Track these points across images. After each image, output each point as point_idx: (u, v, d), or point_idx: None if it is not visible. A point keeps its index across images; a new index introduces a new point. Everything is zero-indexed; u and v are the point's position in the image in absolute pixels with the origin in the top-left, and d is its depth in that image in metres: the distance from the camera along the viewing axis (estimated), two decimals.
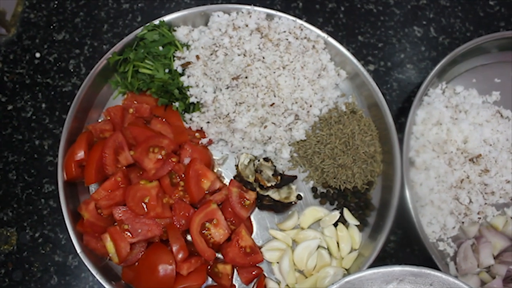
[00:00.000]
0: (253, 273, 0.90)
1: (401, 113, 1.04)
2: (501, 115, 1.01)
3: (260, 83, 0.92)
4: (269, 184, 0.91)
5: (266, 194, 0.91)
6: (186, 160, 0.90)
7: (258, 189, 0.91)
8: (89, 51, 1.05)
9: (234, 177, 0.95)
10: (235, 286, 0.90)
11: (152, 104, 0.96)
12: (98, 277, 0.84)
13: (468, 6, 1.13)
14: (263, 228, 0.94)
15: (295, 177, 0.95)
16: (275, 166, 0.94)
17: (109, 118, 0.95)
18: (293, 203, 0.93)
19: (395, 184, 0.90)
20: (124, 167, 0.89)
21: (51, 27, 1.07)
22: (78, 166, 0.88)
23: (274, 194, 0.92)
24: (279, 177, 0.92)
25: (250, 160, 0.94)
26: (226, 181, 0.96)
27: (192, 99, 0.93)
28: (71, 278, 0.92)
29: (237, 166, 0.94)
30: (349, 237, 0.92)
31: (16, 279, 0.92)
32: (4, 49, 1.05)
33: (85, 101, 0.94)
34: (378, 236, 0.89)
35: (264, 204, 0.92)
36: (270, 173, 0.92)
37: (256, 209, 0.95)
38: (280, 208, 0.93)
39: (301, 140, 0.96)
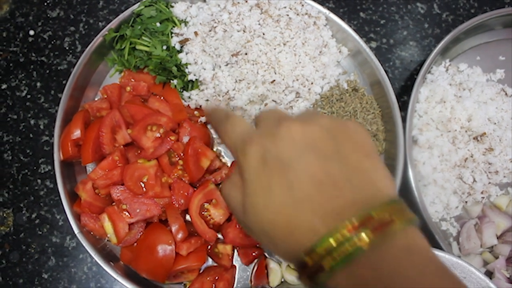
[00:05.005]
0: (254, 253, 0.88)
1: (404, 91, 1.02)
2: (506, 93, 0.99)
3: (260, 59, 0.89)
4: None
5: None
6: (185, 139, 0.88)
7: None
8: (85, 29, 1.03)
9: (234, 161, 0.93)
10: (235, 266, 0.89)
11: (150, 82, 0.94)
12: (96, 258, 0.82)
13: None
14: None
15: None
16: None
17: (105, 96, 0.93)
18: None
19: (398, 163, 0.88)
20: (121, 146, 0.87)
21: (45, 3, 1.04)
22: (74, 146, 0.87)
23: None
24: None
25: None
26: (226, 159, 0.94)
27: (190, 77, 0.91)
28: (69, 259, 0.91)
29: None
30: None
31: (13, 260, 0.91)
32: None
33: (81, 79, 0.92)
34: None
35: None
36: None
37: None
38: None
39: None
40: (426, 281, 0.36)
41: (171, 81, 0.92)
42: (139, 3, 0.92)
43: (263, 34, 0.91)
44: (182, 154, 0.88)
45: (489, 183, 0.94)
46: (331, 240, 0.37)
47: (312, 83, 0.92)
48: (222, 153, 0.95)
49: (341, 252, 0.36)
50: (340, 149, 0.42)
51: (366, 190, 0.40)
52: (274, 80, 0.89)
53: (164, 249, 0.82)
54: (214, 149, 0.94)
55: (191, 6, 0.95)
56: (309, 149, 0.42)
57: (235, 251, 0.90)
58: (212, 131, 0.95)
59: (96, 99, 0.96)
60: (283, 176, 0.41)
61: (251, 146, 0.44)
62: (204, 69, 0.90)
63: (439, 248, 0.85)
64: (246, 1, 0.93)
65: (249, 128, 0.49)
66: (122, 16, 0.92)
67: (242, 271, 0.90)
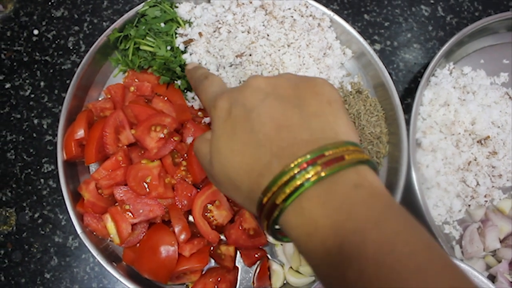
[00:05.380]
0: (256, 255, 0.88)
1: (408, 94, 1.02)
2: (510, 97, 0.99)
3: (264, 61, 0.89)
4: None
5: None
6: (189, 139, 0.88)
7: None
8: (89, 28, 1.03)
9: None
10: (238, 268, 0.89)
11: (154, 82, 0.93)
12: (98, 258, 0.82)
13: None
14: None
15: None
16: None
17: (109, 96, 0.93)
18: None
19: (401, 165, 0.88)
20: (125, 146, 0.87)
21: (49, 3, 1.04)
22: (78, 145, 0.87)
23: None
24: None
25: None
26: None
27: None
28: (71, 259, 0.91)
29: None
30: None
31: (16, 260, 0.91)
32: (1, 26, 1.02)
33: (85, 79, 0.92)
34: None
35: None
36: None
37: None
38: None
39: None
40: (373, 217, 0.36)
41: (175, 81, 0.92)
42: (143, 3, 0.92)
43: (268, 35, 0.91)
44: (185, 155, 0.88)
45: (493, 186, 0.94)
46: (284, 177, 0.38)
47: None
48: None
49: (291, 186, 0.38)
50: (301, 95, 0.44)
51: (322, 133, 0.41)
52: None
53: (167, 250, 0.82)
54: None
55: (195, 7, 0.95)
56: (272, 95, 0.44)
57: (238, 252, 0.90)
58: None
59: (99, 99, 0.96)
60: (246, 120, 0.43)
61: (221, 100, 0.47)
62: (208, 69, 0.90)
63: None
64: (251, 2, 0.93)
65: (224, 87, 0.52)
66: (126, 16, 0.92)
67: (245, 273, 0.90)
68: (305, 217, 0.38)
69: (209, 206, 0.86)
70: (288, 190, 0.38)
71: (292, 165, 0.38)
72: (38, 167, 0.95)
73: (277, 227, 0.41)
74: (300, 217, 0.38)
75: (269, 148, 0.41)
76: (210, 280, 0.85)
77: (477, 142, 0.93)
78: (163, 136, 0.87)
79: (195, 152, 0.54)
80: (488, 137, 0.92)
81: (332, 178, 0.38)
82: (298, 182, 0.37)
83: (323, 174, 0.37)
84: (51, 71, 1.00)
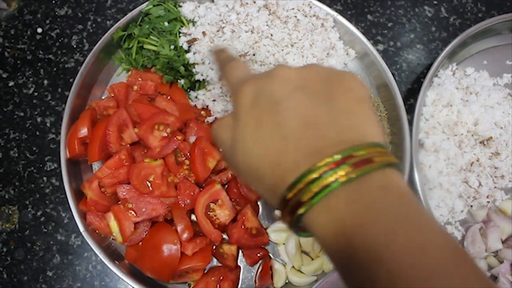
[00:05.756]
0: (259, 254, 0.88)
1: (411, 94, 1.02)
2: None
3: (268, 60, 0.90)
4: None
5: None
6: (192, 138, 0.88)
7: None
8: (92, 27, 1.03)
9: None
10: (240, 267, 0.89)
11: (157, 81, 0.94)
12: (101, 256, 0.82)
13: None
14: (269, 209, 0.93)
15: None
16: None
17: (113, 95, 0.93)
18: None
19: (404, 166, 0.88)
20: (128, 145, 0.87)
21: (53, 1, 1.04)
22: (81, 144, 0.87)
23: None
24: None
25: None
26: None
27: (198, 77, 0.91)
28: (73, 257, 0.91)
29: None
30: None
31: (18, 257, 0.91)
32: (4, 24, 1.02)
33: (88, 77, 0.92)
34: None
35: None
36: None
37: None
38: None
39: None
40: (402, 220, 0.36)
41: (178, 80, 0.92)
42: (147, 2, 0.93)
43: (271, 35, 0.92)
44: (188, 154, 0.88)
45: (495, 187, 0.94)
46: (311, 175, 0.38)
47: None
48: None
49: (319, 185, 0.37)
50: (331, 91, 0.43)
51: (351, 133, 0.41)
52: None
53: (169, 248, 0.82)
54: (220, 150, 0.94)
55: (199, 6, 0.95)
56: (300, 89, 0.43)
57: (240, 251, 0.90)
58: None
59: (103, 97, 0.96)
60: (273, 113, 0.42)
61: (246, 86, 0.46)
62: (212, 69, 0.91)
63: None
64: (255, 2, 0.93)
65: (249, 72, 0.51)
66: (130, 15, 0.92)
67: (247, 272, 0.90)
68: (333, 215, 0.37)
69: (212, 205, 0.86)
70: (315, 189, 0.38)
71: (320, 164, 0.38)
72: (41, 165, 0.95)
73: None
74: (327, 215, 0.38)
75: (295, 144, 0.41)
76: (212, 279, 0.86)
77: (480, 143, 0.93)
78: (166, 135, 0.87)
79: (214, 136, 0.52)
80: (491, 138, 0.92)
81: (361, 179, 0.37)
82: (326, 182, 0.37)
83: (352, 175, 0.37)
84: (55, 69, 1.00)
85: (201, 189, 0.87)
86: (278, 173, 0.41)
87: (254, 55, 0.90)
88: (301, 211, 0.39)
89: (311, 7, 0.96)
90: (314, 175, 0.38)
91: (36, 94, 0.99)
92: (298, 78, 0.44)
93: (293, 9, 0.95)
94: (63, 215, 0.93)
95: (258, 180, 0.44)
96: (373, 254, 0.35)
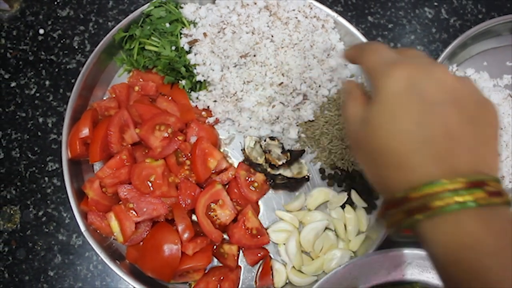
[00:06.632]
0: (259, 254, 0.89)
1: None
2: None
3: (268, 61, 0.90)
4: (280, 162, 0.89)
5: (277, 173, 0.90)
6: (193, 139, 0.89)
7: (269, 169, 0.90)
8: (94, 28, 1.03)
9: (243, 161, 0.93)
10: (240, 267, 0.90)
11: (158, 82, 0.94)
12: (102, 256, 0.83)
13: None
14: (270, 209, 0.93)
15: (303, 150, 0.93)
16: (282, 144, 0.93)
17: (114, 95, 0.93)
18: (306, 177, 0.92)
19: None
20: (129, 145, 0.88)
21: (55, 3, 1.05)
22: (82, 144, 0.87)
23: (286, 172, 0.91)
24: (288, 154, 0.91)
25: (256, 142, 0.93)
26: (233, 160, 0.94)
27: (199, 77, 0.91)
28: (75, 257, 0.92)
29: (243, 150, 0.93)
30: (357, 220, 0.91)
31: (20, 257, 0.91)
32: (7, 25, 1.03)
33: (90, 78, 0.93)
34: None
35: (278, 183, 0.91)
36: (278, 151, 0.91)
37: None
38: (294, 184, 0.92)
39: (309, 121, 0.94)
40: None
41: (180, 81, 0.93)
42: (148, 3, 0.93)
43: (272, 36, 0.92)
44: (189, 154, 0.88)
45: None
46: (446, 185, 0.40)
47: (319, 86, 0.93)
48: (229, 154, 0.95)
49: (453, 198, 0.39)
50: (479, 116, 0.45)
51: (484, 163, 0.43)
52: (282, 83, 0.90)
53: (170, 248, 0.83)
54: (221, 150, 0.94)
55: (200, 8, 0.95)
56: (455, 102, 0.44)
57: (241, 251, 0.90)
58: (219, 131, 0.95)
59: (104, 98, 0.96)
60: (420, 112, 0.43)
61: (397, 70, 0.46)
62: (213, 70, 0.91)
63: None
64: (255, 3, 0.94)
65: (395, 54, 0.50)
66: (131, 16, 0.93)
67: (247, 272, 0.90)
68: (462, 229, 0.39)
69: (213, 205, 0.86)
70: (449, 200, 0.39)
71: (458, 179, 0.40)
72: (43, 166, 0.96)
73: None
74: (454, 228, 0.40)
75: (431, 151, 0.42)
76: (213, 279, 0.86)
77: None
78: (167, 135, 0.88)
79: (344, 110, 0.53)
80: None
81: (492, 208, 0.40)
82: (463, 198, 0.39)
83: (490, 201, 0.40)
84: (57, 70, 1.01)
85: (202, 189, 0.88)
86: (403, 170, 0.43)
87: (255, 56, 0.91)
88: (423, 215, 0.41)
89: (311, 8, 0.96)
90: (449, 187, 0.40)
91: (38, 94, 0.99)
92: (453, 88, 0.45)
93: (293, 10, 0.95)
94: (65, 215, 0.93)
95: (379, 164, 0.46)
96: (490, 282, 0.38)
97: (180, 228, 0.83)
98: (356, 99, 0.52)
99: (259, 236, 0.88)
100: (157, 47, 0.91)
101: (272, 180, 0.91)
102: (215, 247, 0.88)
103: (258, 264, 0.90)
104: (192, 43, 0.92)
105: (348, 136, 0.53)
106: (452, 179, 0.40)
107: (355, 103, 0.51)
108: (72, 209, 0.85)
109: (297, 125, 0.94)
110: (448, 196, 0.39)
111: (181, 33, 0.93)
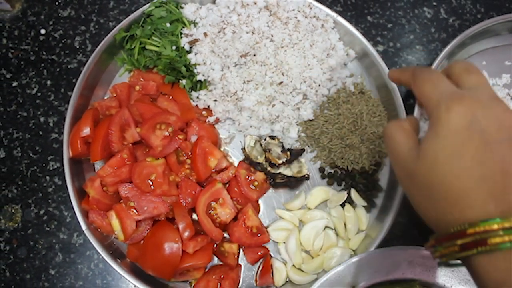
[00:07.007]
0: (259, 253, 0.89)
1: (410, 95, 1.02)
2: None
3: (268, 61, 0.90)
4: (280, 161, 0.90)
5: (278, 172, 0.91)
6: (193, 138, 0.89)
7: (269, 168, 0.91)
8: (95, 28, 1.04)
9: (243, 160, 0.94)
10: (240, 265, 0.90)
11: (159, 81, 0.95)
12: (103, 254, 0.83)
13: None
14: (270, 208, 0.93)
15: (303, 149, 0.94)
16: (282, 143, 0.93)
17: (115, 95, 0.94)
18: (306, 176, 0.92)
19: None
20: (130, 144, 0.88)
21: (57, 3, 1.05)
22: (84, 143, 0.88)
23: (286, 171, 0.91)
24: (288, 153, 0.91)
25: (256, 141, 0.93)
26: (233, 159, 0.95)
27: (199, 77, 0.92)
28: (76, 256, 0.92)
29: (243, 149, 0.93)
30: (356, 218, 0.91)
31: (21, 256, 0.92)
32: (8, 25, 1.04)
33: (91, 78, 0.93)
34: (386, 217, 0.88)
35: (278, 182, 0.91)
36: (278, 150, 0.92)
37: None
38: (294, 183, 0.93)
39: (309, 120, 0.95)
40: None
41: (180, 81, 0.93)
42: (149, 3, 0.94)
43: (272, 36, 0.92)
44: (190, 153, 0.89)
45: None
46: (506, 223, 0.41)
47: (319, 85, 0.93)
48: (229, 153, 0.95)
49: (510, 237, 0.41)
50: None
51: None
52: (282, 82, 0.90)
53: (170, 246, 0.83)
54: (222, 149, 0.95)
55: (201, 8, 0.96)
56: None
57: (241, 250, 0.90)
58: (219, 130, 0.96)
59: (105, 97, 0.97)
60: (480, 149, 0.45)
61: (459, 106, 0.46)
62: (213, 69, 0.91)
63: None
64: (255, 3, 0.94)
65: (454, 87, 0.51)
66: (132, 16, 0.93)
67: (248, 270, 0.90)
68: None
69: (213, 204, 0.87)
70: (505, 238, 0.41)
71: None
72: (44, 165, 0.96)
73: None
74: (509, 265, 0.41)
75: (489, 189, 0.43)
76: (213, 277, 0.86)
77: None
78: (168, 134, 0.88)
79: (388, 138, 0.54)
80: None
81: None
82: None
83: None
84: (58, 70, 1.01)
85: (202, 188, 0.88)
86: (460, 204, 0.44)
87: (255, 55, 0.91)
88: (478, 250, 0.42)
89: (311, 8, 0.96)
90: (506, 225, 0.41)
91: (39, 94, 1.00)
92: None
93: (293, 10, 0.95)
94: (66, 213, 0.94)
95: (433, 198, 0.47)
96: None
97: (180, 226, 0.84)
98: (406, 131, 0.53)
99: (259, 235, 0.88)
100: (158, 47, 0.92)
101: (272, 179, 0.91)
102: (215, 245, 0.89)
103: (258, 263, 0.90)
104: (192, 42, 0.92)
105: (396, 168, 0.54)
106: (509, 218, 0.41)
107: (405, 134, 0.52)
108: (73, 208, 0.85)
109: (297, 124, 0.95)
110: (504, 234, 0.41)
111: (181, 33, 0.93)
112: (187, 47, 0.92)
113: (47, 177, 0.95)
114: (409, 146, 0.51)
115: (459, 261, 0.47)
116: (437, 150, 0.46)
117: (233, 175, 0.90)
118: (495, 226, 0.41)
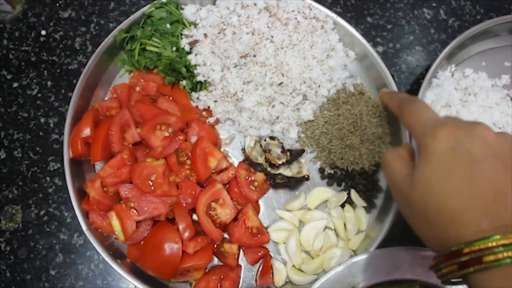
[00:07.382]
0: (259, 253, 0.89)
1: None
2: (511, 99, 1.00)
3: (268, 62, 0.91)
4: (280, 162, 0.90)
5: (277, 172, 0.91)
6: (193, 139, 0.89)
7: (269, 168, 0.91)
8: (96, 29, 1.04)
9: (243, 160, 0.94)
10: (241, 266, 0.90)
11: (159, 82, 0.95)
12: (103, 255, 0.83)
13: None
14: (270, 208, 0.94)
15: (303, 150, 0.94)
16: (282, 143, 0.93)
17: (115, 96, 0.94)
18: (305, 176, 0.92)
19: None
20: (130, 145, 0.88)
21: (57, 4, 1.06)
22: (84, 144, 0.88)
23: (286, 171, 0.91)
24: (288, 153, 0.91)
25: (256, 141, 0.93)
26: (233, 160, 0.95)
27: (199, 78, 0.92)
28: (76, 257, 0.92)
29: (243, 149, 0.93)
30: (356, 219, 0.91)
31: (21, 256, 0.92)
32: (9, 26, 1.04)
33: (91, 79, 0.93)
34: (385, 217, 0.88)
35: (278, 182, 0.91)
36: (278, 150, 0.92)
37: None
38: (294, 184, 0.93)
39: (309, 121, 0.95)
40: None
41: (180, 81, 0.94)
42: (149, 4, 0.94)
43: (272, 37, 0.93)
44: (190, 154, 0.89)
45: None
46: (501, 240, 0.42)
47: (319, 86, 0.93)
48: (229, 154, 0.96)
49: (505, 254, 0.42)
50: None
51: None
52: (282, 83, 0.90)
53: (171, 247, 0.83)
54: (222, 150, 0.95)
55: (201, 9, 0.96)
56: (499, 157, 0.47)
57: (241, 250, 0.90)
58: (220, 131, 0.96)
59: (106, 98, 0.97)
60: (467, 169, 0.46)
61: (443, 131, 0.49)
62: (213, 70, 0.92)
63: None
64: (255, 4, 0.94)
65: (437, 115, 0.55)
66: (132, 17, 0.94)
67: (248, 271, 0.90)
68: None
69: (213, 204, 0.87)
70: (501, 255, 0.42)
71: (508, 235, 0.42)
72: (44, 165, 0.96)
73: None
74: (506, 281, 0.42)
75: (481, 206, 0.45)
76: (213, 277, 0.86)
77: None
78: (168, 135, 0.88)
79: (386, 166, 0.57)
80: None
81: None
82: None
83: None
84: (58, 71, 1.01)
85: (202, 188, 0.88)
86: (455, 224, 0.46)
87: (254, 56, 0.91)
88: (475, 268, 0.43)
89: (311, 9, 0.97)
90: (501, 242, 0.42)
91: (39, 95, 1.00)
92: (496, 145, 0.48)
93: (293, 11, 0.96)
94: (66, 214, 0.94)
95: (430, 221, 0.49)
96: None
97: (180, 227, 0.84)
98: (402, 158, 0.55)
99: (259, 235, 0.88)
100: (158, 47, 0.92)
101: (272, 180, 0.91)
102: (215, 246, 0.89)
103: (259, 263, 0.90)
104: (192, 43, 0.92)
105: (394, 195, 0.56)
106: (504, 235, 0.42)
107: (401, 162, 0.55)
108: (73, 209, 0.86)
109: (297, 125, 0.95)
110: (500, 251, 0.42)
111: (181, 34, 0.93)
112: (187, 48, 0.92)
113: (48, 178, 0.96)
114: (405, 173, 0.53)
115: (461, 279, 0.48)
116: (428, 174, 0.49)
117: (233, 176, 0.90)
118: (490, 244, 0.42)
